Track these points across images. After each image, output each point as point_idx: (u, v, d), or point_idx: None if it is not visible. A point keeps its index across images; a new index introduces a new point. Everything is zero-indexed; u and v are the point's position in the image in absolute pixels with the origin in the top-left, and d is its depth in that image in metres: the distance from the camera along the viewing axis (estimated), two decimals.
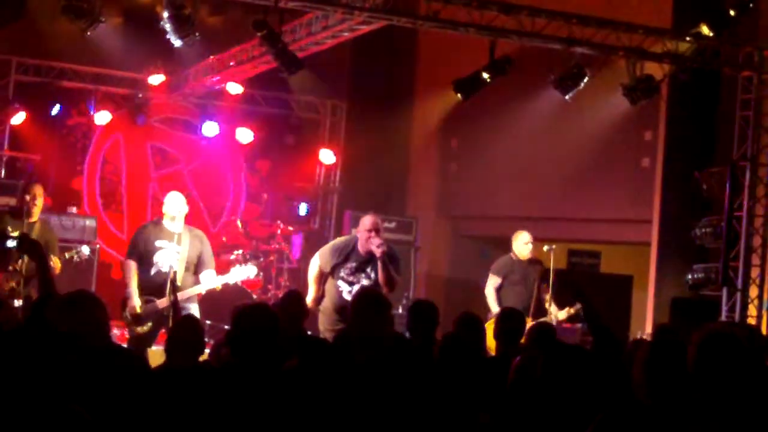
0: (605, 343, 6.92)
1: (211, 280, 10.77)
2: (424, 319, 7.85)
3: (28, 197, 11.20)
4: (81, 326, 5.54)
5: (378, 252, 10.35)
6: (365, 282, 10.44)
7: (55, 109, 16.45)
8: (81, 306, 5.62)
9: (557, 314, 12.04)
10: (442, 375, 6.33)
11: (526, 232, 12.55)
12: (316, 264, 10.75)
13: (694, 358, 4.90)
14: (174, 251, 10.67)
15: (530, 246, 12.46)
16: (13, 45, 15.97)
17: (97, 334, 5.63)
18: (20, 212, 11.18)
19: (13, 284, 10.69)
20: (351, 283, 10.47)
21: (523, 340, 8.17)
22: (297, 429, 5.33)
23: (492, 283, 12.46)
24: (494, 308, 12.07)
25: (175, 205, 10.89)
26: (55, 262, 10.80)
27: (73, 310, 5.58)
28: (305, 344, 7.78)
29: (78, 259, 11.63)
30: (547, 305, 12.11)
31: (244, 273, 11.05)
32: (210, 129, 17.33)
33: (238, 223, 16.63)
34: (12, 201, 12.39)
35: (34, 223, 11.08)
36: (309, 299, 10.38)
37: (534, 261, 12.56)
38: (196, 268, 10.85)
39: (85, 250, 11.66)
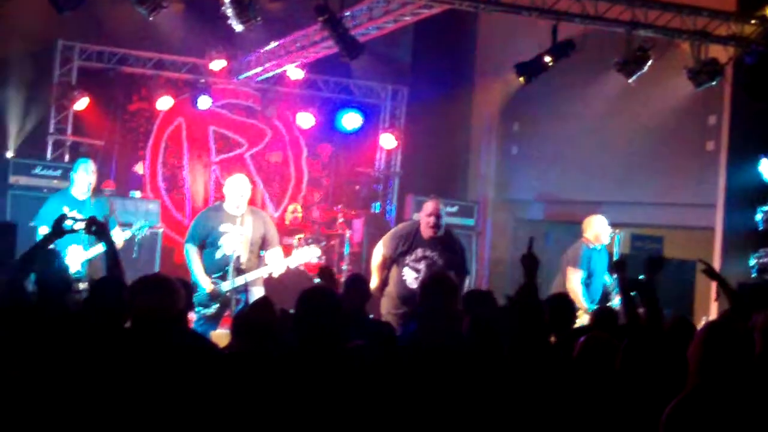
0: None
1: (276, 264, 10.80)
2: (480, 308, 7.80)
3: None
4: (159, 308, 5.57)
5: None
6: (432, 269, 10.42)
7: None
8: (160, 288, 5.65)
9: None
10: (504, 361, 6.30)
11: (600, 215, 12.25)
12: (379, 252, 10.76)
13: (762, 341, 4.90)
14: (237, 234, 10.70)
15: (607, 229, 12.09)
16: (75, 31, 16.07)
17: (174, 317, 5.67)
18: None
19: (79, 268, 10.79)
20: (417, 270, 10.48)
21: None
22: (360, 410, 5.34)
23: (577, 277, 11.82)
24: (586, 305, 11.48)
25: (237, 188, 10.92)
26: (117, 233, 10.87)
27: (153, 291, 5.61)
28: (367, 326, 7.81)
29: (139, 237, 11.64)
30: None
31: (307, 255, 11.07)
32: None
33: (299, 209, 16.71)
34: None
35: (88, 199, 11.19)
36: (372, 286, 10.38)
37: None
38: (261, 248, 10.90)
39: (144, 226, 11.58)
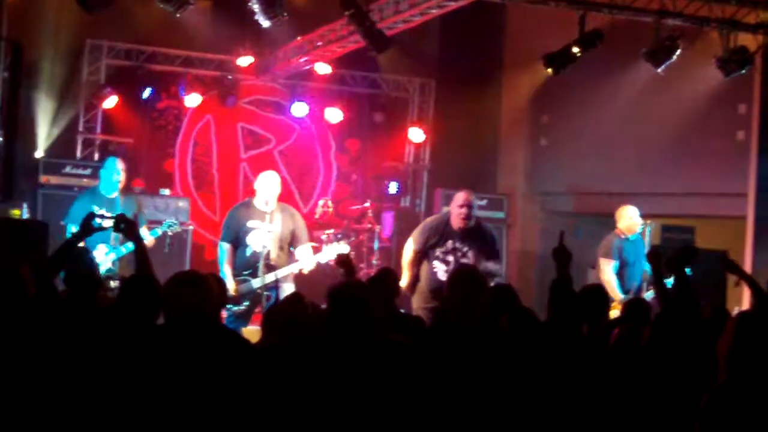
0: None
1: (305, 260, 10.81)
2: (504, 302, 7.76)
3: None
4: (193, 305, 5.58)
5: None
6: (462, 261, 10.42)
7: (146, 93, 16.59)
8: (195, 285, 5.66)
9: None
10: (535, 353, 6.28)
11: (631, 206, 12.28)
12: (410, 248, 10.75)
13: None
14: (266, 230, 10.73)
15: (636, 220, 12.13)
16: (103, 29, 16.10)
17: (208, 314, 5.68)
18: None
19: (110, 265, 10.83)
20: (447, 263, 10.46)
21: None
22: (393, 405, 5.33)
23: (609, 268, 11.93)
24: (619, 296, 11.53)
25: (268, 184, 10.95)
26: (144, 231, 10.93)
27: (188, 289, 5.62)
28: (398, 321, 7.79)
29: (171, 233, 11.66)
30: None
31: (336, 251, 11.08)
32: (299, 109, 17.50)
33: (329, 203, 16.73)
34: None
35: (117, 197, 11.22)
36: (403, 283, 10.38)
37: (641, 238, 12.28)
38: (290, 245, 10.91)
39: (171, 224, 11.60)
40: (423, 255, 10.62)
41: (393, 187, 18.05)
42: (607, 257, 12.01)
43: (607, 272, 11.93)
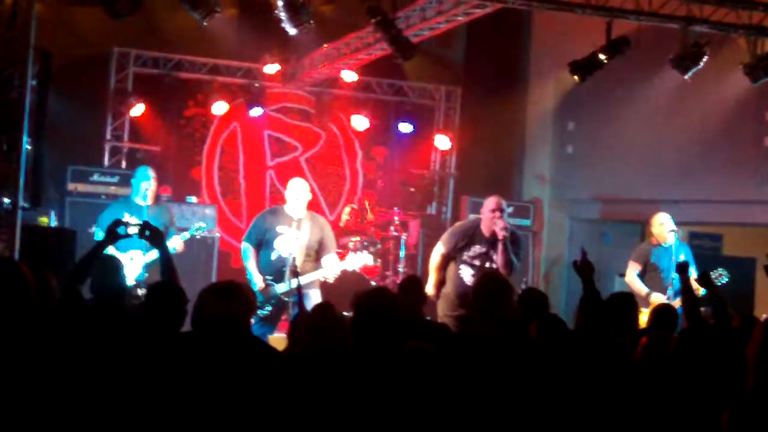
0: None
1: (330, 268, 10.82)
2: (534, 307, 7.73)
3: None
4: (230, 314, 5.59)
5: (500, 234, 10.33)
6: (488, 265, 10.41)
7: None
8: (232, 296, 5.67)
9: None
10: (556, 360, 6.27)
11: (663, 213, 12.23)
12: (438, 252, 10.76)
13: None
14: (294, 237, 10.75)
15: (666, 227, 12.03)
16: (131, 37, 16.19)
17: (241, 323, 5.70)
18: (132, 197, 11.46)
19: (140, 271, 10.86)
20: (474, 267, 10.46)
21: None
22: (420, 411, 5.32)
23: (633, 270, 12.06)
24: (643, 290, 11.74)
25: (298, 191, 11.00)
26: (176, 240, 11.02)
27: (225, 299, 5.63)
28: (424, 328, 7.79)
29: (199, 236, 11.74)
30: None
31: (359, 261, 11.11)
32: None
33: (366, 205, 16.69)
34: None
35: (148, 206, 11.24)
36: (429, 287, 10.39)
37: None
38: (317, 253, 10.93)
39: (201, 228, 11.68)
40: (451, 259, 10.63)
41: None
42: (633, 261, 12.18)
43: (629, 274, 12.12)
